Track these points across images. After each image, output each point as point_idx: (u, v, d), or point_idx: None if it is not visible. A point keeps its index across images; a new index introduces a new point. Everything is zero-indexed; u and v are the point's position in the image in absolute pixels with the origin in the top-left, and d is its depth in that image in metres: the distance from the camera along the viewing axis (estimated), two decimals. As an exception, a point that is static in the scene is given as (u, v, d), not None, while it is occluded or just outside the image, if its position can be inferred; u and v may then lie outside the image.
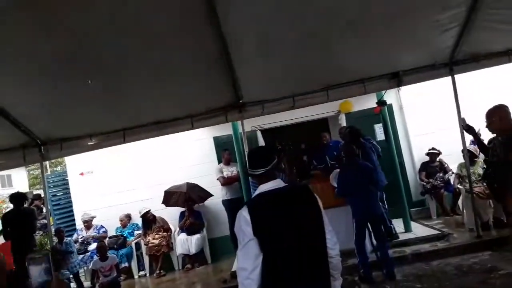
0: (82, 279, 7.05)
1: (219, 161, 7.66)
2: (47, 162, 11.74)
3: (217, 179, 7.33)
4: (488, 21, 4.76)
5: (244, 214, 2.05)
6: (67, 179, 8.32)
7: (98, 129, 5.75)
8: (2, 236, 7.03)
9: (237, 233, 2.08)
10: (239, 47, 4.54)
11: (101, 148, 6.03)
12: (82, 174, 7.95)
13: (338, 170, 5.93)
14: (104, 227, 7.69)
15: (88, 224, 7.64)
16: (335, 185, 5.72)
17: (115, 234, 7.66)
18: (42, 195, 8.13)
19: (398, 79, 5.59)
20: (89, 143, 5.79)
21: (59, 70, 4.35)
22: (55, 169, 14.85)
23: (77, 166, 7.99)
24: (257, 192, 2.22)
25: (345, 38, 4.78)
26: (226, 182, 7.27)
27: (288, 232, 2.05)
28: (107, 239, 7.47)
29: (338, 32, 4.68)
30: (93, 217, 7.69)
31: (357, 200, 5.14)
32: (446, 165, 7.42)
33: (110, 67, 4.53)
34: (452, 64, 5.52)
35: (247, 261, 1.98)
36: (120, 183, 7.82)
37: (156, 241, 7.23)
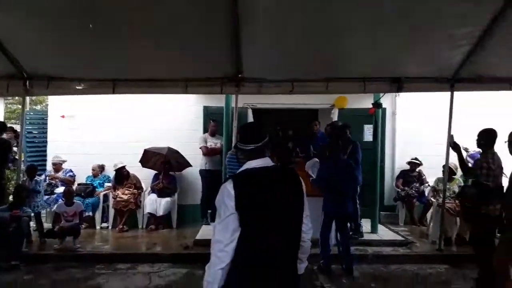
0: (44, 220, 6.93)
1: (205, 131, 7.57)
2: (28, 99, 11.39)
3: (200, 148, 7.26)
4: (498, 46, 4.78)
5: (228, 188, 2.00)
6: (46, 119, 8.08)
7: (88, 75, 5.58)
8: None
9: (218, 205, 2.04)
10: (249, 22, 4.46)
11: (89, 94, 5.90)
12: (63, 116, 7.73)
13: (316, 159, 5.95)
14: (72, 172, 7.57)
15: (57, 166, 7.51)
16: (311, 174, 5.75)
17: (85, 182, 7.54)
18: (17, 130, 7.87)
19: (399, 84, 5.61)
20: (77, 87, 5.62)
21: (59, 9, 4.22)
22: (34, 107, 14.41)
23: (59, 107, 7.76)
24: (244, 167, 2.17)
25: (355, 33, 4.74)
26: (208, 152, 7.22)
27: (269, 210, 2.03)
28: (76, 185, 7.36)
29: (349, 26, 4.62)
30: (64, 161, 7.55)
31: (332, 195, 5.19)
32: (424, 176, 7.56)
33: (112, 16, 4.40)
34: (455, 81, 5.55)
35: (225, 234, 1.96)
36: (99, 132, 7.66)
37: (125, 197, 7.17)
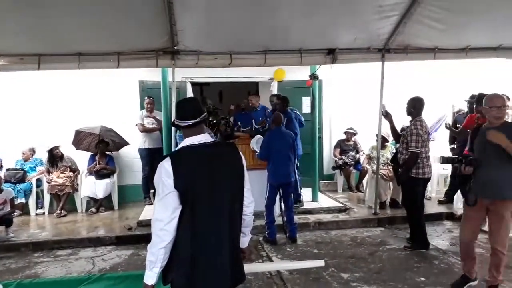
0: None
1: (142, 108, 7.25)
2: None
3: (136, 125, 7.00)
4: (424, 17, 5.05)
5: (166, 166, 1.97)
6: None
7: (10, 50, 5.13)
8: None
9: (156, 184, 2.01)
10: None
11: (11, 71, 5.45)
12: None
13: (259, 136, 6.04)
14: (-3, 156, 6.99)
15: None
16: (255, 149, 5.85)
17: (14, 167, 7.02)
18: None
19: (333, 56, 5.76)
20: (-4, 63, 5.14)
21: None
22: None
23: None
24: (182, 144, 2.15)
25: (292, 5, 4.77)
26: (145, 129, 6.98)
27: (209, 187, 2.03)
28: (5, 171, 6.83)
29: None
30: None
31: (275, 166, 5.30)
32: (359, 145, 7.92)
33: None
34: (385, 51, 5.80)
35: (165, 213, 1.95)
36: (26, 113, 7.08)
37: (60, 180, 6.79)
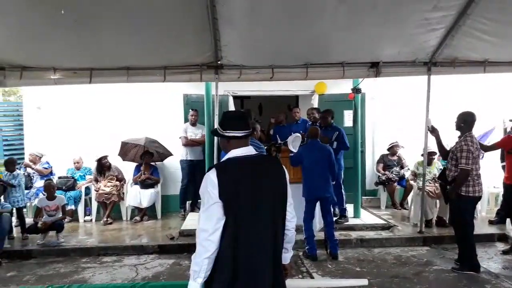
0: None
1: (186, 120, 7.46)
2: (0, 90, 11.05)
3: (179, 138, 7.18)
4: (474, 29, 4.86)
5: (211, 177, 2.01)
6: (21, 111, 7.86)
7: (64, 64, 5.44)
8: None
9: (202, 194, 2.05)
10: (227, 5, 4.38)
11: (65, 84, 5.74)
12: (39, 108, 7.52)
13: (297, 135, 5.97)
14: (48, 163, 7.36)
15: (33, 158, 7.27)
16: (292, 149, 5.74)
17: (66, 175, 7.39)
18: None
19: (377, 69, 5.66)
20: (52, 77, 5.46)
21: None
22: (7, 98, 13.98)
23: (35, 98, 7.55)
24: (227, 156, 2.18)
25: (334, 18, 4.72)
26: (188, 143, 7.13)
27: (253, 199, 2.04)
28: (57, 179, 7.20)
29: (327, 10, 4.60)
30: (41, 155, 7.33)
31: (308, 180, 5.26)
32: (404, 160, 7.68)
33: (85, 3, 4.23)
34: (431, 64, 5.63)
35: (209, 223, 1.98)
36: (78, 124, 7.46)
37: (107, 189, 7.08)
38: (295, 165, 5.42)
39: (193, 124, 7.24)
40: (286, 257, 2.31)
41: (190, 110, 7.30)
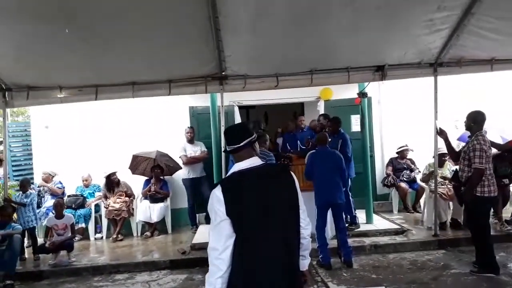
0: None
1: (194, 133, 7.45)
2: (9, 110, 11.14)
3: (179, 157, 7.14)
4: (478, 28, 4.82)
5: (217, 194, 1.97)
6: (29, 131, 7.91)
7: (69, 82, 5.47)
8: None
9: (210, 212, 2.01)
10: (229, 17, 4.40)
11: (71, 102, 5.79)
12: (47, 127, 7.56)
13: (313, 151, 5.95)
14: (61, 183, 7.36)
15: (46, 177, 7.27)
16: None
17: (75, 193, 7.38)
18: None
19: (382, 72, 5.62)
20: (58, 95, 5.50)
21: (35, 15, 4.09)
22: (16, 118, 14.13)
23: (42, 118, 7.60)
24: (232, 170, 2.16)
25: (338, 23, 4.73)
26: (189, 161, 7.07)
27: (262, 211, 1.99)
28: (66, 197, 7.20)
29: (330, 16, 4.60)
30: (53, 174, 7.33)
31: (319, 186, 5.20)
32: (414, 163, 7.59)
33: (90, 20, 4.29)
34: (437, 65, 5.58)
35: (219, 242, 1.93)
36: (86, 141, 7.49)
37: (117, 205, 7.06)
38: (309, 178, 5.33)
39: (190, 141, 7.17)
40: (305, 263, 2.25)
41: (187, 127, 7.27)
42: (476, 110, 4.62)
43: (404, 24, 4.81)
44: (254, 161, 2.11)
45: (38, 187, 7.21)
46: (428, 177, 6.61)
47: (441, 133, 5.16)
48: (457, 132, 6.52)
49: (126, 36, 4.61)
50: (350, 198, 6.25)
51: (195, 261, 5.53)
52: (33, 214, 6.27)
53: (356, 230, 6.27)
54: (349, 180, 6.26)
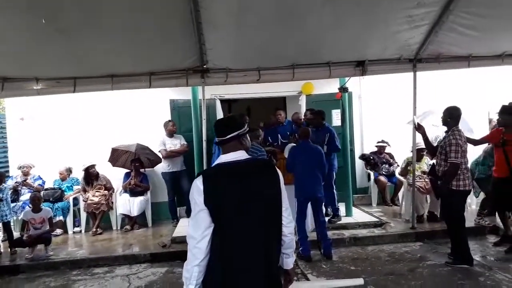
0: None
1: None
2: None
3: (159, 151, 7.08)
4: (457, 24, 4.90)
5: (197, 184, 1.99)
6: (4, 123, 7.70)
7: (46, 74, 5.31)
8: None
9: (190, 201, 2.03)
10: (210, 9, 4.33)
11: (48, 94, 5.64)
12: (22, 119, 7.36)
13: (293, 144, 5.98)
14: (41, 179, 7.20)
15: (26, 170, 7.09)
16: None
17: (52, 186, 7.24)
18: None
19: (363, 67, 5.67)
20: (35, 87, 5.34)
21: (10, 4, 3.95)
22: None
23: (18, 109, 7.40)
24: (216, 162, 2.16)
25: (319, 18, 4.72)
26: (169, 155, 7.02)
27: (240, 205, 2.00)
28: (44, 190, 7.04)
29: (312, 11, 4.59)
30: (31, 166, 7.14)
31: (300, 180, 5.24)
32: (392, 158, 7.72)
33: (66, 11, 4.14)
34: (416, 61, 5.66)
35: (197, 231, 1.96)
36: (63, 134, 7.32)
37: (96, 199, 6.96)
38: (291, 170, 5.35)
39: (170, 135, 7.12)
40: (289, 262, 2.25)
41: (169, 121, 7.19)
42: (453, 106, 4.73)
43: (383, 20, 4.85)
44: (239, 155, 2.11)
45: (16, 183, 7.01)
46: (406, 171, 6.77)
47: (419, 128, 5.26)
48: (436, 130, 6.65)
49: (106, 27, 4.49)
50: (334, 191, 6.33)
51: (176, 254, 5.51)
52: (8, 209, 6.11)
53: (337, 222, 6.36)
54: (333, 173, 6.33)
